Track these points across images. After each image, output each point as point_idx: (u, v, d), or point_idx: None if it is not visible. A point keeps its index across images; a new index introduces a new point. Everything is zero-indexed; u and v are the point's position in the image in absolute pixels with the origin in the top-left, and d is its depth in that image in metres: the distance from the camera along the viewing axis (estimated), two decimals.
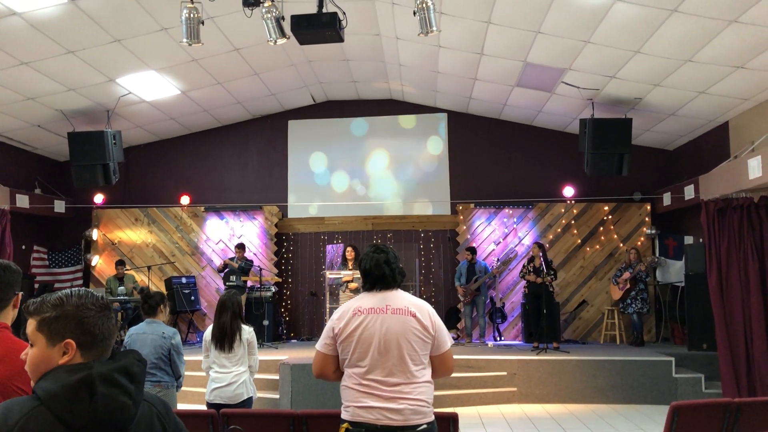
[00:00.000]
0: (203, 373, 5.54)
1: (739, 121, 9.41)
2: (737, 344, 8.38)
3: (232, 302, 5.34)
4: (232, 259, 11.55)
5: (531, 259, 10.64)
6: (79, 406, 1.52)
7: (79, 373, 1.56)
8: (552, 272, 10.43)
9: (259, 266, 11.73)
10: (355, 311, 3.22)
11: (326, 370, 3.29)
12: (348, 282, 10.04)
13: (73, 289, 1.78)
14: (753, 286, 8.29)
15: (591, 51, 8.29)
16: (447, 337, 3.29)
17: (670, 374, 9.03)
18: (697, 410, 4.42)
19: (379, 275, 3.29)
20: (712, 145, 10.20)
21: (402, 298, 3.26)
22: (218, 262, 12.42)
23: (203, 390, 5.53)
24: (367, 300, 3.27)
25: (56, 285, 12.20)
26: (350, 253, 10.56)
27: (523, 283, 11.81)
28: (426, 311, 3.24)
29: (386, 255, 3.34)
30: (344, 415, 3.18)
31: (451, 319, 12.19)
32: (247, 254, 12.00)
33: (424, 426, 3.12)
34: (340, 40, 7.05)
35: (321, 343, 3.29)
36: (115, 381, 1.58)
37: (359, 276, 9.59)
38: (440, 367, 3.28)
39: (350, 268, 10.27)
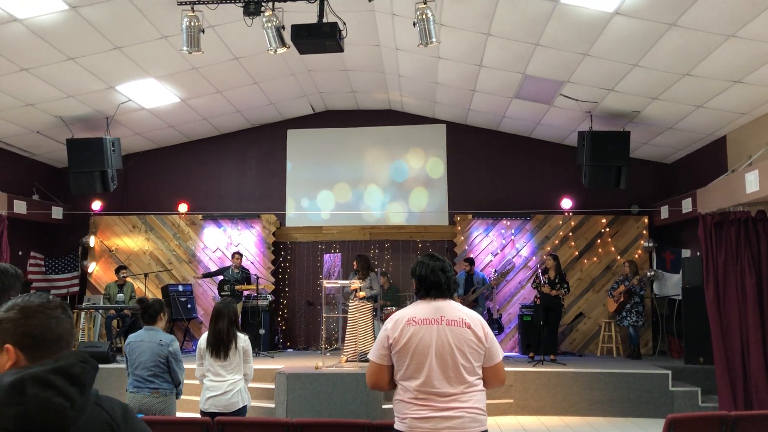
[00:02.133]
0: (197, 382, 5.51)
1: (737, 136, 9.44)
2: (734, 358, 8.37)
3: (228, 309, 5.33)
4: (228, 267, 11.52)
5: (545, 271, 10.58)
6: (8, 410, 1.45)
7: (12, 376, 1.49)
8: (566, 285, 10.44)
9: (255, 275, 11.71)
10: (409, 321, 3.21)
11: (381, 380, 3.28)
12: (356, 290, 9.98)
13: (26, 294, 1.73)
14: (750, 299, 8.30)
15: (590, 64, 8.33)
16: (499, 349, 3.31)
17: (666, 387, 9.01)
18: (693, 423, 4.41)
19: (435, 282, 3.30)
20: (710, 159, 10.23)
21: (456, 309, 3.26)
22: (215, 270, 12.38)
23: (198, 398, 5.51)
24: (421, 309, 3.26)
25: (53, 291, 12.16)
26: (354, 265, 10.55)
27: (522, 294, 11.83)
28: (479, 323, 3.25)
29: (442, 263, 3.36)
30: (400, 427, 3.17)
31: None
32: (245, 263, 11.98)
33: None
34: (340, 50, 7.08)
35: (375, 354, 3.28)
36: (49, 382, 1.49)
37: (366, 285, 9.65)
38: (492, 378, 3.29)
39: (359, 277, 10.25)
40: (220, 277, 11.56)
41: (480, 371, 3.23)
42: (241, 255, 11.62)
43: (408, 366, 3.16)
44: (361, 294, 9.94)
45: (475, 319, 3.25)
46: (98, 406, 1.61)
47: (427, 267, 3.34)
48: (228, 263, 11.99)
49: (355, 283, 9.87)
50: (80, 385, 1.54)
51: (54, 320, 1.67)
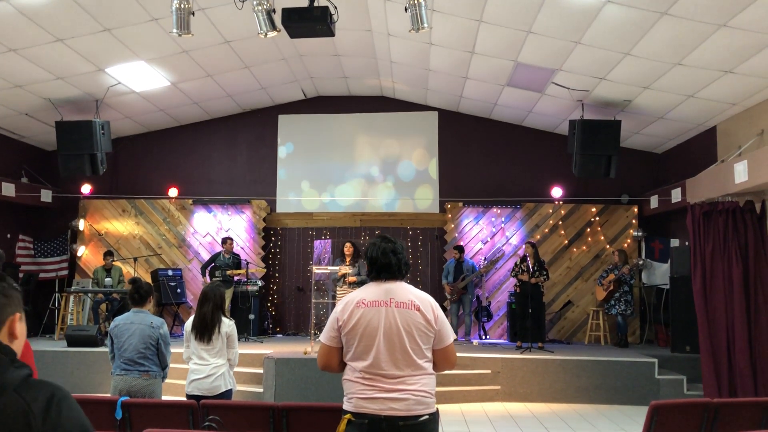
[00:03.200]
0: (186, 365, 5.51)
1: (727, 126, 9.47)
2: (719, 346, 8.44)
3: (214, 293, 5.31)
4: (219, 253, 11.48)
5: (523, 259, 10.63)
6: None
7: None
8: (545, 272, 10.49)
9: (245, 260, 11.69)
10: (358, 303, 3.21)
11: (331, 362, 3.29)
12: (345, 275, 9.98)
13: None
14: (736, 289, 8.35)
15: (581, 52, 8.32)
16: (450, 331, 3.30)
17: (652, 375, 9.09)
18: (676, 410, 4.45)
19: (385, 263, 3.29)
20: (700, 149, 10.26)
21: (406, 291, 3.26)
22: (205, 255, 12.36)
23: (185, 383, 5.51)
24: (371, 292, 3.26)
25: (41, 275, 12.13)
26: (348, 249, 10.48)
27: (511, 282, 11.85)
28: (429, 304, 3.25)
29: (393, 245, 3.35)
30: (347, 407, 3.18)
31: None
32: (235, 248, 11.94)
33: (426, 416, 3.15)
34: (331, 34, 7.04)
35: (326, 335, 3.29)
36: None
37: (356, 272, 9.66)
38: (442, 360, 3.29)
39: (347, 264, 10.23)
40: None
41: (429, 354, 3.23)
42: (232, 240, 11.57)
43: (356, 348, 3.18)
44: (352, 279, 9.94)
45: (425, 301, 3.25)
46: (17, 394, 1.47)
47: (378, 248, 3.33)
48: (218, 248, 11.96)
49: (344, 269, 9.88)
50: None
51: None
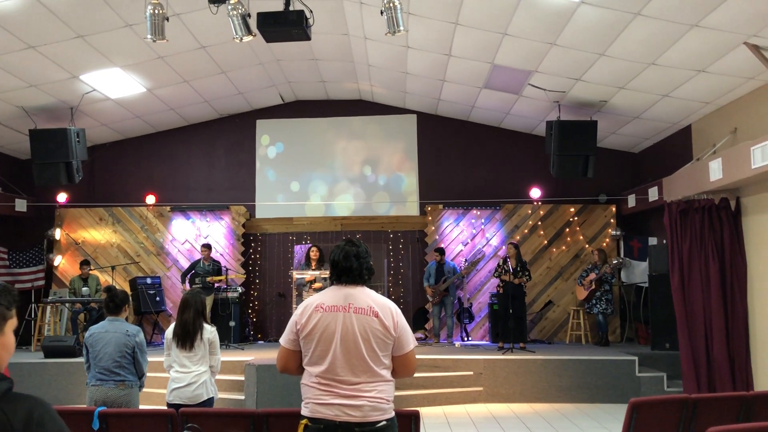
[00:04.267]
0: (166, 374, 5.45)
1: (702, 125, 9.58)
2: (698, 342, 8.52)
3: (195, 300, 5.26)
4: (198, 260, 11.39)
5: (505, 260, 10.66)
6: None
7: None
8: (527, 273, 10.54)
9: (225, 266, 11.62)
10: (317, 307, 3.18)
11: (290, 365, 3.27)
12: (311, 282, 9.99)
13: None
14: (713, 285, 8.45)
15: (557, 53, 8.37)
16: (410, 338, 3.25)
17: (633, 373, 9.16)
18: (655, 406, 4.48)
19: (346, 267, 3.24)
20: (676, 148, 10.37)
21: (366, 297, 3.21)
22: (184, 262, 12.27)
23: (164, 391, 5.45)
24: (330, 296, 3.22)
25: (17, 285, 11.93)
26: (315, 253, 10.49)
27: (492, 283, 11.90)
28: (389, 311, 3.19)
29: (357, 249, 3.29)
30: (304, 412, 3.16)
31: (419, 319, 12.21)
32: (214, 254, 11.86)
33: (384, 422, 3.11)
34: (307, 38, 7.03)
35: (284, 338, 3.26)
36: None
37: (325, 276, 9.65)
38: (401, 367, 3.24)
39: (313, 268, 10.23)
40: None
41: (387, 361, 3.19)
42: (209, 247, 11.48)
43: (313, 352, 3.15)
44: (317, 285, 9.93)
45: (384, 307, 3.20)
46: (1, 410, 1.47)
47: (341, 252, 3.29)
48: (198, 256, 11.87)
49: (311, 276, 9.86)
50: None
51: None
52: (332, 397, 3.08)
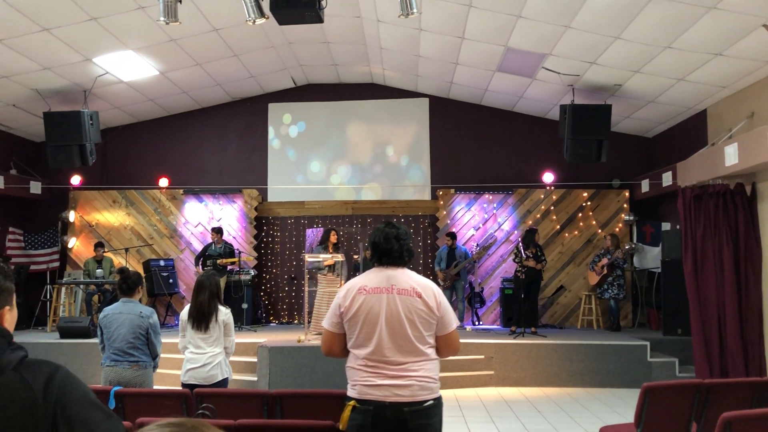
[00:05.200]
0: (180, 356, 5.50)
1: (717, 109, 9.49)
2: (710, 328, 8.50)
3: (210, 282, 5.30)
4: (210, 245, 11.43)
5: (527, 246, 10.62)
6: None
7: None
8: (544, 258, 10.57)
9: (238, 249, 11.67)
10: (360, 290, 3.20)
11: (334, 348, 3.29)
12: (330, 266, 9.93)
13: None
14: (727, 271, 8.40)
15: (571, 36, 8.29)
16: (453, 318, 3.28)
17: (645, 358, 9.15)
18: (668, 391, 4.48)
19: (387, 249, 3.26)
20: (691, 133, 10.28)
21: (408, 278, 3.24)
22: (197, 245, 12.34)
23: (178, 372, 5.51)
24: (373, 278, 3.24)
25: (32, 267, 12.06)
26: (334, 237, 10.42)
27: (503, 267, 11.91)
28: (432, 291, 3.22)
29: (397, 231, 3.32)
30: (351, 393, 3.18)
31: None
32: (227, 238, 11.91)
33: (431, 401, 3.15)
34: (320, 20, 6.98)
35: (328, 322, 3.28)
36: None
37: (340, 260, 9.65)
38: (445, 346, 3.27)
39: (330, 252, 10.20)
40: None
41: (432, 340, 3.22)
42: (219, 231, 11.48)
43: (358, 334, 3.17)
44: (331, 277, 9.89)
45: (427, 288, 3.23)
46: (17, 373, 1.50)
47: (381, 234, 3.30)
48: (210, 239, 11.93)
49: (329, 260, 9.79)
50: None
51: None
52: (381, 378, 3.11)
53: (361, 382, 3.14)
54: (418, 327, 3.16)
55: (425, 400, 3.12)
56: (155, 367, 5.23)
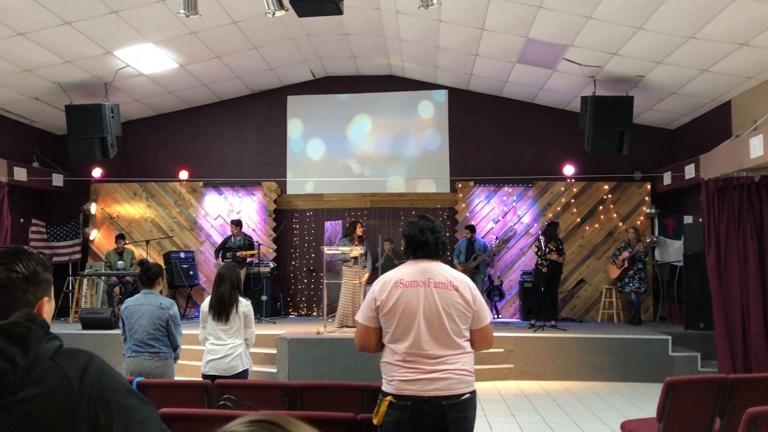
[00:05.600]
0: (201, 347, 5.54)
1: (742, 100, 9.33)
2: (734, 323, 8.39)
3: (230, 273, 5.33)
4: (229, 237, 11.48)
5: (549, 239, 10.55)
6: None
7: None
8: (563, 252, 10.54)
9: (257, 241, 11.72)
10: (396, 283, 3.18)
11: (369, 342, 3.27)
12: (355, 258, 9.88)
13: None
14: (751, 265, 8.29)
15: (593, 27, 8.20)
16: (487, 312, 3.29)
17: (666, 353, 9.06)
18: (691, 386, 4.42)
19: (422, 241, 3.25)
20: (714, 124, 10.13)
21: (444, 271, 3.23)
22: (217, 237, 12.41)
23: (199, 363, 5.54)
24: (408, 271, 3.22)
25: (54, 259, 12.19)
26: (360, 230, 10.38)
27: (523, 261, 11.86)
28: (467, 285, 3.22)
29: (432, 224, 3.31)
30: (387, 389, 3.16)
31: None
32: (246, 230, 11.96)
33: (468, 395, 3.15)
34: (339, 12, 6.97)
35: (363, 315, 3.26)
36: None
37: (362, 253, 9.63)
38: (480, 340, 3.27)
39: (356, 244, 10.17)
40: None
41: (467, 334, 3.22)
42: (238, 223, 11.52)
43: (396, 328, 3.15)
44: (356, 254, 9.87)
45: (462, 281, 3.22)
46: (54, 362, 1.52)
47: (415, 226, 3.30)
48: (230, 231, 12.00)
49: (355, 251, 9.77)
50: (24, 344, 1.48)
51: None
52: (419, 373, 3.10)
53: (399, 377, 3.12)
54: (456, 320, 3.15)
55: (462, 394, 3.12)
56: (176, 358, 5.27)
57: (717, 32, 7.54)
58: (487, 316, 3.28)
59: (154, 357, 5.08)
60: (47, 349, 1.53)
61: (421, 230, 3.27)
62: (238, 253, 11.12)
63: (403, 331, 3.13)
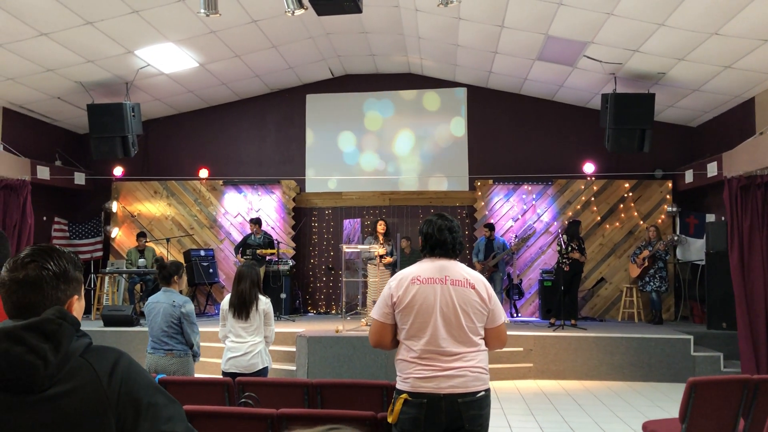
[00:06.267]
0: (221, 344, 5.57)
1: (766, 97, 9.20)
2: (758, 322, 8.28)
3: (250, 271, 5.37)
4: (249, 235, 11.53)
5: (571, 238, 10.48)
6: None
7: None
8: (584, 250, 10.49)
9: (276, 239, 11.77)
10: (413, 280, 3.19)
11: (384, 339, 3.27)
12: (381, 256, 9.94)
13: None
14: None
15: (614, 24, 8.12)
16: (501, 310, 3.30)
17: (688, 352, 8.97)
18: (714, 386, 4.37)
19: (440, 240, 3.27)
20: (737, 122, 10.00)
21: (460, 269, 3.25)
22: (236, 235, 12.47)
23: (220, 360, 5.58)
24: (426, 268, 3.23)
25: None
26: (382, 227, 10.40)
27: (542, 259, 11.80)
28: (483, 284, 3.24)
29: (450, 223, 3.32)
30: (402, 386, 3.16)
31: None
32: (265, 228, 12.01)
33: (483, 392, 3.16)
34: (358, 11, 6.97)
35: (378, 312, 3.26)
36: (21, 338, 1.47)
37: (390, 252, 9.65)
38: (494, 339, 3.28)
39: (381, 242, 10.20)
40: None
41: (483, 332, 3.23)
42: (257, 222, 11.57)
43: (412, 325, 3.15)
44: (388, 259, 9.96)
45: (478, 279, 3.23)
46: (84, 359, 1.56)
47: (433, 225, 3.31)
48: (249, 229, 12.07)
49: (379, 249, 9.83)
50: (56, 341, 1.51)
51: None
52: (435, 371, 3.10)
53: (414, 374, 3.12)
54: (472, 318, 3.16)
55: (478, 391, 3.12)
56: (195, 356, 5.26)
57: (740, 28, 7.44)
58: (502, 315, 3.29)
59: (168, 354, 5.12)
60: (77, 346, 1.57)
61: (439, 229, 3.28)
62: (258, 251, 11.17)
63: (420, 328, 3.14)
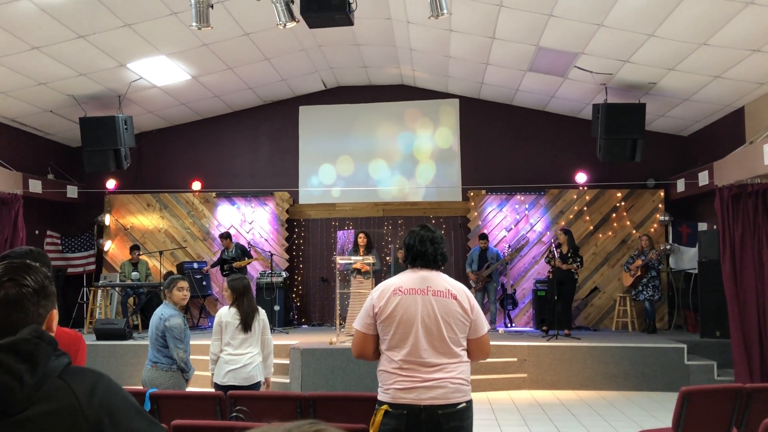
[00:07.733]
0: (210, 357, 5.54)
1: (756, 106, 9.27)
2: (750, 331, 8.30)
3: (242, 284, 5.42)
4: (224, 250, 11.46)
5: (558, 246, 10.53)
6: None
7: None
8: (579, 259, 10.42)
9: (269, 251, 11.74)
10: (395, 291, 3.19)
11: (366, 350, 3.26)
12: (358, 269, 9.98)
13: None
14: (767, 272, 8.20)
15: (604, 34, 8.18)
16: (484, 321, 3.30)
17: (682, 361, 8.98)
18: (707, 395, 4.38)
19: (421, 251, 3.27)
20: (728, 131, 10.07)
21: (442, 280, 3.25)
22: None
23: (208, 374, 5.55)
24: (408, 279, 3.24)
25: (69, 270, 12.29)
26: (362, 239, 10.47)
27: (536, 269, 11.80)
28: (465, 294, 3.23)
29: (432, 234, 3.33)
30: (383, 397, 3.16)
31: None
32: (259, 240, 11.99)
33: (464, 404, 3.14)
34: (350, 23, 6.99)
35: (360, 323, 3.26)
36: None
37: (371, 261, 9.65)
38: (477, 350, 3.27)
39: (361, 254, 10.22)
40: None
41: (465, 343, 3.22)
42: (227, 236, 11.53)
43: (393, 335, 3.15)
44: (365, 267, 9.92)
45: (460, 290, 3.23)
46: (62, 380, 1.51)
47: (416, 236, 3.31)
48: (243, 241, 12.07)
49: (359, 262, 9.82)
50: (32, 362, 1.46)
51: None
52: (415, 382, 3.10)
53: (395, 386, 3.12)
54: (454, 329, 3.15)
55: (458, 403, 3.11)
56: (185, 371, 5.12)
57: (729, 39, 7.51)
58: (485, 325, 3.28)
59: (153, 367, 5.09)
60: (55, 366, 1.52)
61: (421, 240, 3.29)
62: (234, 265, 11.13)
63: (401, 339, 3.14)
